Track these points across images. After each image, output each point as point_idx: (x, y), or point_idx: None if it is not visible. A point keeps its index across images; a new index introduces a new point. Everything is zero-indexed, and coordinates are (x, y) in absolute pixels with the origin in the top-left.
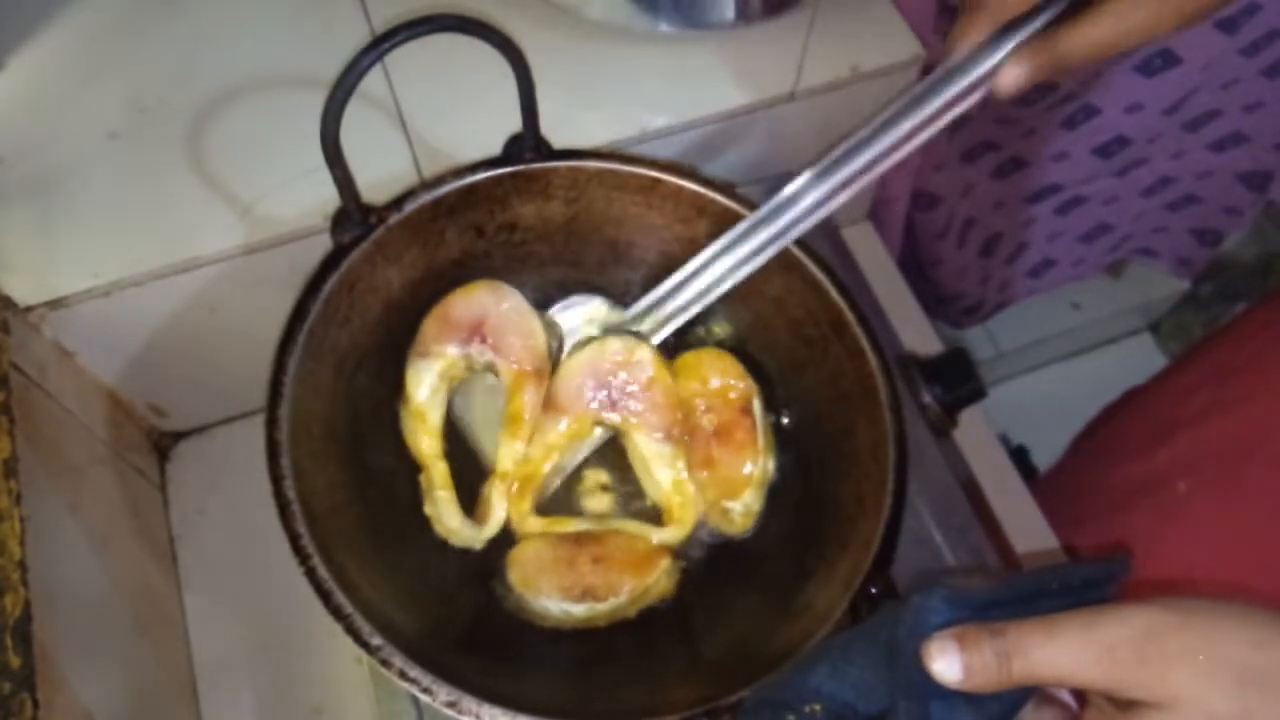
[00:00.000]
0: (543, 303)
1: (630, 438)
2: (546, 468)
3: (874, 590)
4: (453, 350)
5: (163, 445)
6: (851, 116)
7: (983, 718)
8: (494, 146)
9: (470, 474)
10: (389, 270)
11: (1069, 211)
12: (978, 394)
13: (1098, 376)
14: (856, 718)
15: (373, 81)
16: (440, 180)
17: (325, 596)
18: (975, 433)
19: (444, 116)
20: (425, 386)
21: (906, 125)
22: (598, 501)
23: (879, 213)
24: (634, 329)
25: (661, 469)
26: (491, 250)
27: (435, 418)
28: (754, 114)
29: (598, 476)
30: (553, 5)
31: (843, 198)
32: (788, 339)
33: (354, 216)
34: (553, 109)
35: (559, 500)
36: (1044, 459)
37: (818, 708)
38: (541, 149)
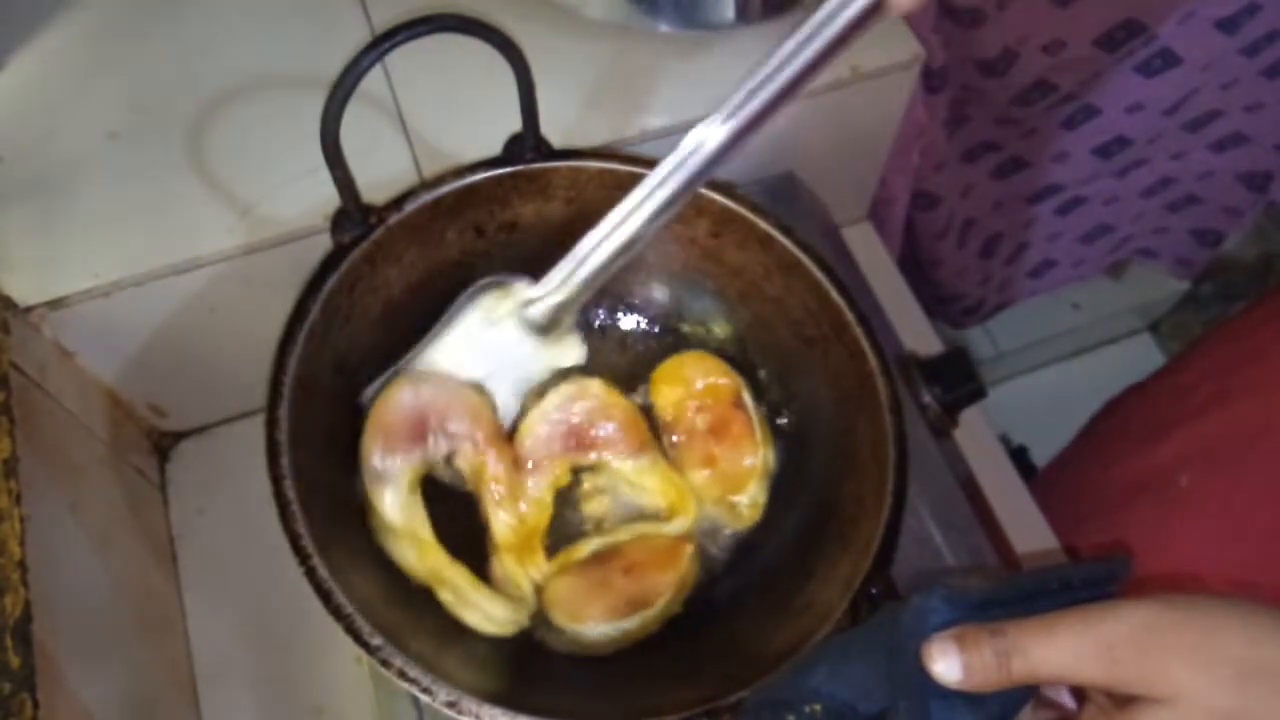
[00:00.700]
0: None
1: (609, 466)
2: (546, 523)
3: (874, 590)
4: (405, 460)
5: (163, 445)
6: (852, 116)
7: (983, 717)
8: (494, 146)
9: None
10: (389, 270)
11: (1069, 212)
12: (978, 394)
13: (1098, 376)
14: (856, 718)
15: (373, 81)
16: (440, 180)
17: (325, 596)
18: (975, 433)
19: (444, 116)
20: (399, 507)
21: (807, 55)
22: (596, 505)
23: (879, 213)
24: (552, 300)
25: (646, 478)
26: (491, 250)
27: (427, 532)
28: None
29: (593, 480)
30: (553, 5)
31: (750, 138)
32: (788, 339)
33: (354, 216)
34: (553, 109)
35: (558, 517)
36: (1044, 459)
37: (818, 708)
38: (541, 149)
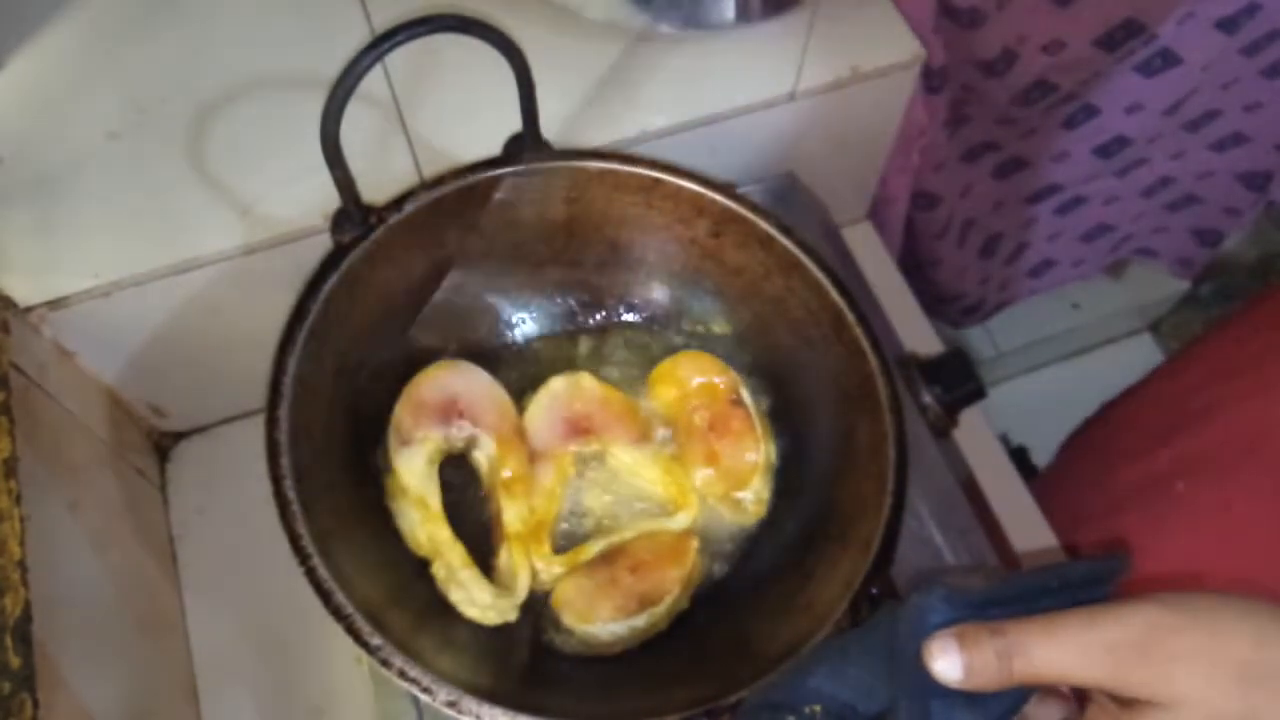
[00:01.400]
0: (543, 303)
1: (610, 454)
2: (555, 513)
3: (874, 590)
4: (435, 433)
5: (163, 445)
6: (852, 116)
7: (983, 717)
8: (494, 146)
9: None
10: (389, 270)
11: (1069, 211)
12: (978, 394)
13: (1098, 376)
14: (856, 718)
15: (373, 81)
16: (440, 180)
17: (325, 596)
18: (975, 433)
19: (444, 116)
20: (418, 473)
21: None
22: (599, 501)
23: (879, 213)
24: None
25: (646, 469)
26: (491, 250)
27: (436, 503)
28: (754, 114)
29: (595, 474)
30: (553, 5)
31: None
32: (788, 339)
33: (354, 216)
34: (553, 109)
35: (565, 519)
36: (1044, 459)
37: (818, 708)
38: (541, 149)
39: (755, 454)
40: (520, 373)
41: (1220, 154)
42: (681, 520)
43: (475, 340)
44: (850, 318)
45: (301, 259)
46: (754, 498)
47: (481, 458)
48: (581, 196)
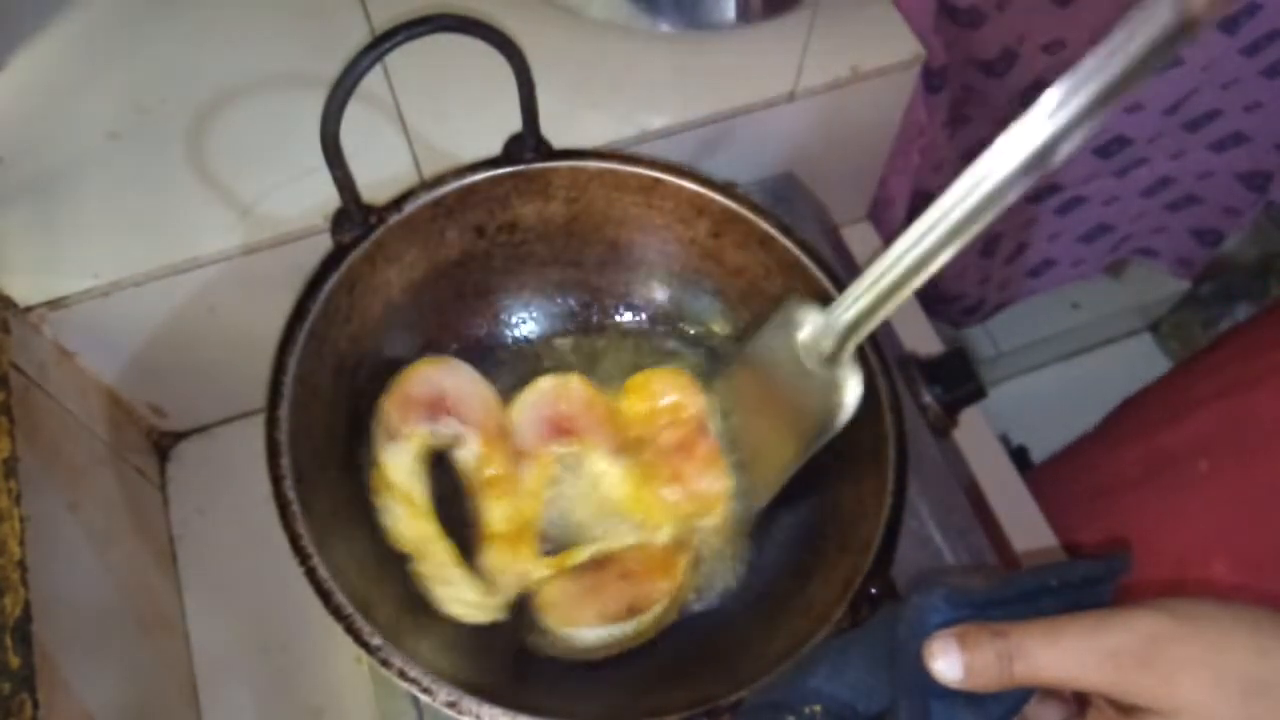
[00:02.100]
0: (544, 303)
1: (587, 460)
2: (539, 513)
3: (874, 591)
4: (422, 428)
5: (163, 445)
6: (852, 116)
7: (983, 718)
8: (494, 146)
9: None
10: (389, 270)
11: (1069, 211)
12: (978, 394)
13: (1098, 376)
14: (856, 718)
15: (373, 81)
16: (440, 180)
17: (325, 596)
18: (975, 433)
19: (444, 116)
20: (405, 469)
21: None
22: (588, 508)
23: (879, 213)
24: (845, 316)
25: (618, 486)
26: (491, 250)
27: (422, 498)
28: (754, 114)
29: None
30: (553, 5)
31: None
32: None
33: (354, 216)
34: (553, 109)
35: (552, 524)
36: (1043, 459)
37: (818, 708)
38: (541, 149)
39: (720, 483)
40: (518, 373)
41: (1220, 154)
42: (665, 534)
43: (475, 339)
44: None
45: (301, 259)
46: (716, 525)
47: (466, 456)
48: (581, 196)
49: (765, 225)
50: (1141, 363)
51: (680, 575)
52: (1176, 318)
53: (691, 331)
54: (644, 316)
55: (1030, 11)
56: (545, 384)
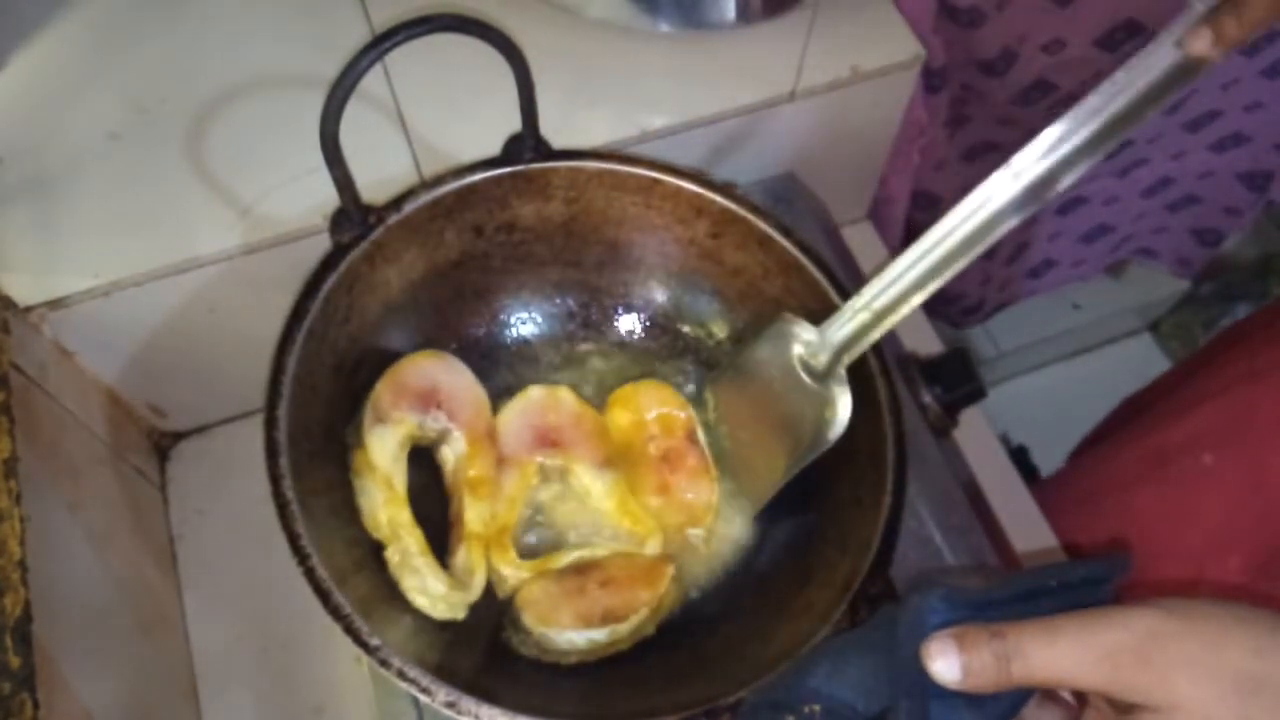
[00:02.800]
0: (542, 303)
1: (573, 473)
2: (516, 518)
3: (873, 591)
4: (411, 417)
5: (163, 445)
6: (852, 116)
7: (982, 718)
8: (494, 146)
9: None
10: (388, 270)
11: (1069, 212)
12: (978, 394)
13: (1098, 376)
14: (856, 718)
15: (373, 81)
16: (440, 180)
17: (325, 596)
18: (975, 433)
19: (444, 116)
20: (388, 453)
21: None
22: (564, 514)
23: (879, 213)
24: (838, 334)
25: (604, 499)
26: (491, 250)
27: (401, 485)
28: (754, 114)
29: (559, 488)
30: (553, 5)
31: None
32: None
33: (353, 216)
34: (553, 109)
35: (537, 527)
36: (1044, 459)
37: (818, 708)
38: (541, 149)
39: (709, 493)
40: (516, 373)
41: (1220, 154)
42: (653, 546)
43: (474, 339)
44: None
45: (301, 259)
46: (705, 535)
47: (449, 454)
48: (580, 197)
49: (764, 226)
50: (1141, 363)
51: (662, 587)
52: (1176, 318)
53: (689, 331)
54: (643, 317)
55: (1030, 11)
56: (535, 393)
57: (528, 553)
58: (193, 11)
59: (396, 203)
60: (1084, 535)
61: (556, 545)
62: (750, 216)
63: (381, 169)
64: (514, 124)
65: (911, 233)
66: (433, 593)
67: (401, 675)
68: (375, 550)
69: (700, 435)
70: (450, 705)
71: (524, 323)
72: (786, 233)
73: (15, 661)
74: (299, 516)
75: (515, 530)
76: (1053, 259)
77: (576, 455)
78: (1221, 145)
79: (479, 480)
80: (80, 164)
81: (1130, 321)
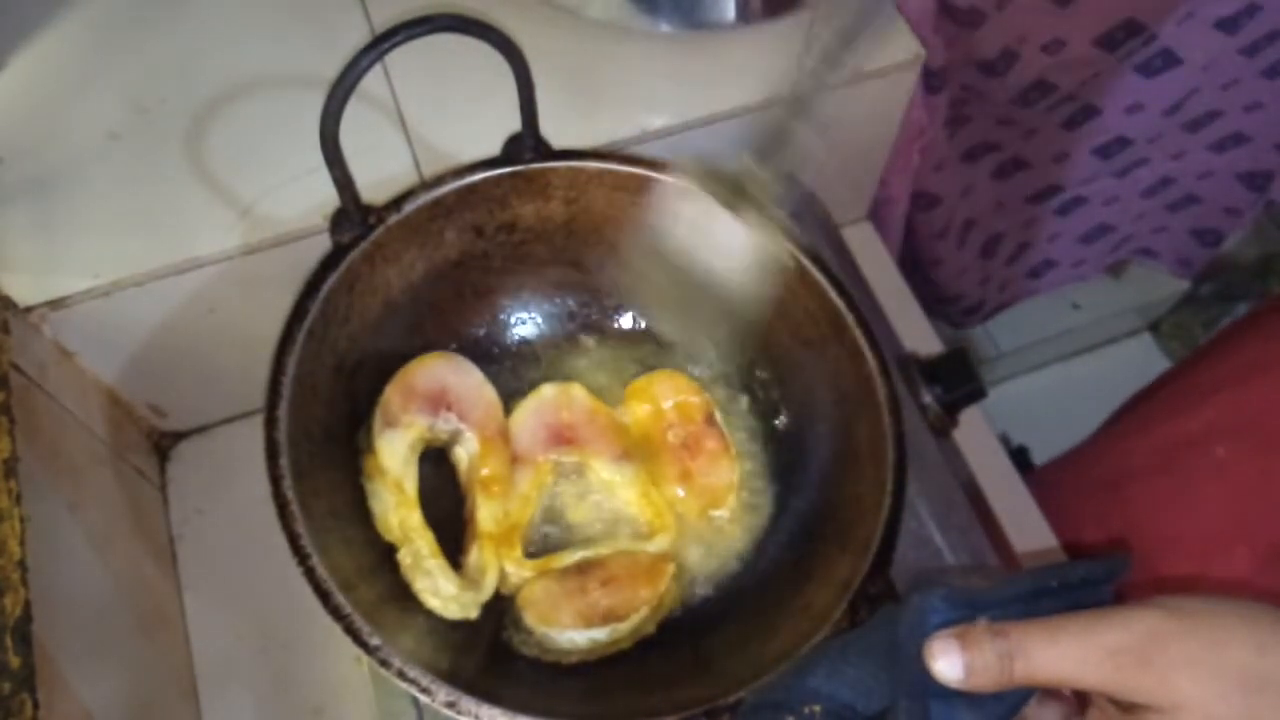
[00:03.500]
0: (542, 303)
1: (590, 468)
2: (528, 517)
3: (873, 591)
4: (421, 420)
5: (163, 445)
6: (852, 116)
7: (983, 718)
8: (494, 146)
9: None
10: (388, 270)
11: (1069, 212)
12: (978, 394)
13: (1098, 376)
14: (856, 718)
15: (373, 81)
16: (440, 180)
17: (325, 597)
18: (975, 433)
19: (444, 116)
20: (399, 457)
21: None
22: (579, 512)
23: (879, 213)
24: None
25: (625, 489)
26: (491, 250)
27: (412, 488)
28: (754, 114)
29: (576, 486)
30: (553, 5)
31: None
32: (787, 339)
33: (353, 216)
34: (553, 109)
35: (544, 526)
36: (1044, 459)
37: (817, 708)
38: (541, 149)
39: (730, 474)
40: (517, 373)
41: (1220, 154)
42: (659, 543)
43: (474, 339)
44: (849, 319)
45: (301, 259)
46: (729, 516)
47: (462, 454)
48: (580, 197)
49: None
50: (1141, 363)
51: (663, 586)
52: (1176, 318)
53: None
54: (643, 316)
55: (1030, 11)
56: (548, 391)
57: (541, 550)
58: (193, 11)
59: (396, 203)
60: (1090, 531)
61: (569, 544)
62: None
63: (381, 169)
64: (514, 124)
65: (911, 233)
66: (444, 593)
67: (401, 675)
68: (389, 552)
69: (719, 416)
70: (450, 705)
71: (524, 323)
72: (787, 232)
73: (15, 661)
74: (299, 516)
75: (528, 529)
76: (1053, 259)
77: (592, 450)
78: (1221, 145)
79: (492, 479)
80: (80, 164)
81: (1130, 321)
